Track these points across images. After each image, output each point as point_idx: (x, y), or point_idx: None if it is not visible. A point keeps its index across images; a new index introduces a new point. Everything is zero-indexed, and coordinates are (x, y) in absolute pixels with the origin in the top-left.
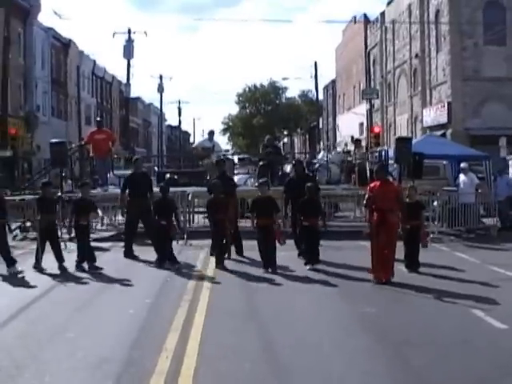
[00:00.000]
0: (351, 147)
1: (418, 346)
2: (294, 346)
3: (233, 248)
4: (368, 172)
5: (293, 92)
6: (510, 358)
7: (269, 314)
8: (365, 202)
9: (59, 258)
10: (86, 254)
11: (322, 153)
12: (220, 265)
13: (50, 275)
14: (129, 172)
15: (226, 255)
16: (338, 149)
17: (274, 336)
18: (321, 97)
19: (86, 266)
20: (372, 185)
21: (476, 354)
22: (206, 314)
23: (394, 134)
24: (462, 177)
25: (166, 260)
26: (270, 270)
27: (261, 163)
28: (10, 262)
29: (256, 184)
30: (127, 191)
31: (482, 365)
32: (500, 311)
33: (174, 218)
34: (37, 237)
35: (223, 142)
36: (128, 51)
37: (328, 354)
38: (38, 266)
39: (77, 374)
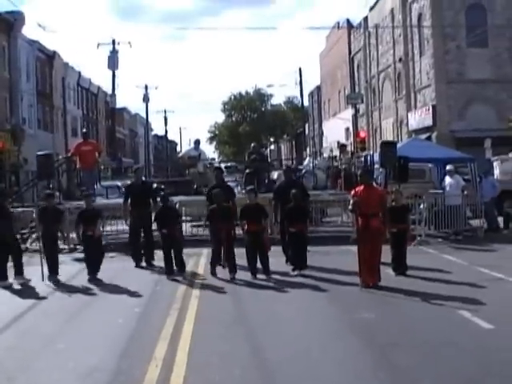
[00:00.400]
0: (337, 153)
1: (405, 347)
2: (283, 351)
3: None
4: (354, 177)
5: (278, 99)
6: (496, 357)
7: (257, 320)
8: (350, 207)
9: (54, 269)
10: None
11: (307, 159)
12: (215, 275)
13: (40, 286)
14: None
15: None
16: (324, 154)
17: (263, 342)
18: (306, 103)
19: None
20: (356, 189)
21: (463, 354)
22: (195, 322)
23: (380, 138)
24: (447, 179)
25: (172, 269)
26: (266, 277)
27: (247, 171)
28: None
29: (244, 191)
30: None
31: (469, 365)
32: (486, 312)
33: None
34: (40, 248)
35: (210, 150)
36: (112, 62)
37: (317, 358)
38: (52, 278)
39: None
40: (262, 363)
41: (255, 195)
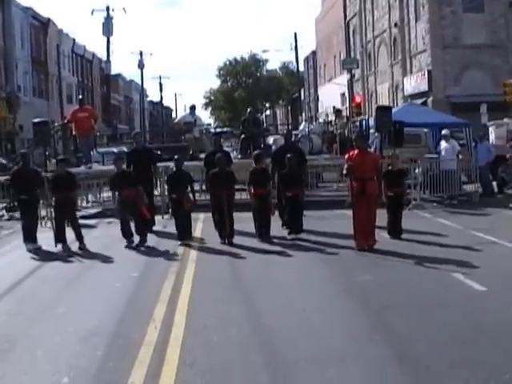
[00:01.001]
0: (332, 118)
1: (399, 309)
2: (279, 314)
3: None
4: (349, 142)
5: (274, 64)
6: (489, 319)
7: (254, 283)
8: (345, 171)
9: (79, 236)
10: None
11: (303, 124)
12: (228, 239)
13: (39, 254)
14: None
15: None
16: (320, 119)
17: (260, 305)
18: (302, 68)
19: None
20: (350, 154)
21: (456, 315)
22: (193, 285)
23: (376, 103)
24: (443, 144)
25: (183, 234)
26: (266, 240)
27: (242, 136)
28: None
29: (239, 157)
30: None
31: (462, 326)
32: (480, 274)
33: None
34: (52, 215)
35: (205, 116)
36: (107, 28)
37: (312, 320)
38: (65, 247)
39: (67, 348)
40: (259, 325)
41: (265, 159)
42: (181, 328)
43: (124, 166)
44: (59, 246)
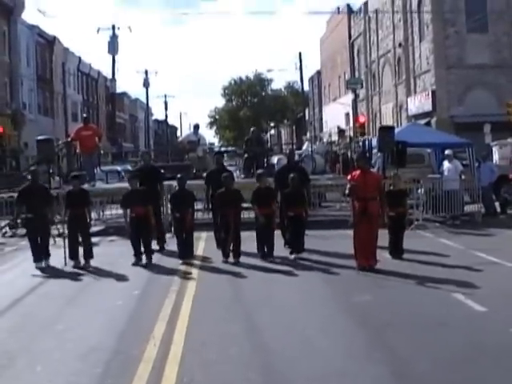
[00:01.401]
0: (336, 137)
1: (399, 328)
2: (279, 332)
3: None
4: (352, 162)
5: (278, 83)
6: (489, 339)
7: (255, 301)
8: (347, 191)
9: (88, 254)
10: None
11: (306, 143)
12: (234, 259)
13: (42, 270)
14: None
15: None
16: (324, 139)
17: (260, 323)
18: (306, 88)
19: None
20: (353, 174)
21: (456, 335)
22: (193, 304)
23: (380, 123)
24: (446, 164)
25: (185, 252)
26: (269, 259)
27: (246, 156)
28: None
29: (242, 176)
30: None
31: (462, 345)
32: (480, 294)
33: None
34: (65, 231)
35: (210, 135)
36: (112, 47)
37: (312, 339)
38: (76, 264)
39: (67, 364)
40: (258, 344)
41: (266, 178)
42: (180, 345)
43: (138, 185)
44: (71, 263)
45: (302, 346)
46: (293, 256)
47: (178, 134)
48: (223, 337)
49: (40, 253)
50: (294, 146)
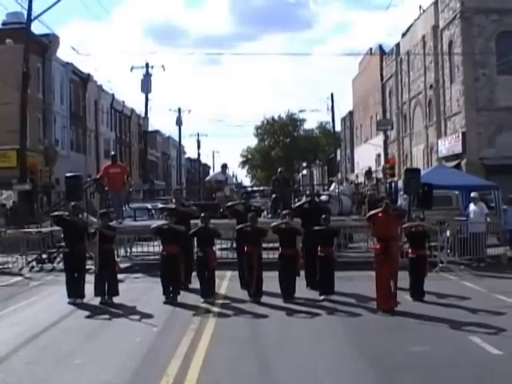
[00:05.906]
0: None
1: (410, 370)
2: (291, 372)
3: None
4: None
5: (311, 124)
6: (500, 381)
7: (271, 341)
8: (372, 232)
9: (114, 291)
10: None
11: (333, 184)
12: (255, 298)
13: (67, 304)
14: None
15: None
16: (351, 180)
17: (274, 363)
18: (338, 128)
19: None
20: (374, 214)
21: (467, 377)
22: (210, 342)
23: (410, 164)
24: (471, 206)
25: (206, 291)
26: (291, 300)
27: (273, 196)
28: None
29: (269, 216)
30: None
31: None
32: (498, 338)
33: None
34: (95, 268)
35: (242, 174)
36: (146, 85)
37: (323, 378)
38: (103, 300)
39: None
40: (270, 382)
41: (290, 219)
42: (193, 383)
43: (174, 223)
44: (98, 299)
45: None
46: (322, 297)
47: (211, 172)
48: (236, 375)
49: (75, 289)
50: (326, 187)
